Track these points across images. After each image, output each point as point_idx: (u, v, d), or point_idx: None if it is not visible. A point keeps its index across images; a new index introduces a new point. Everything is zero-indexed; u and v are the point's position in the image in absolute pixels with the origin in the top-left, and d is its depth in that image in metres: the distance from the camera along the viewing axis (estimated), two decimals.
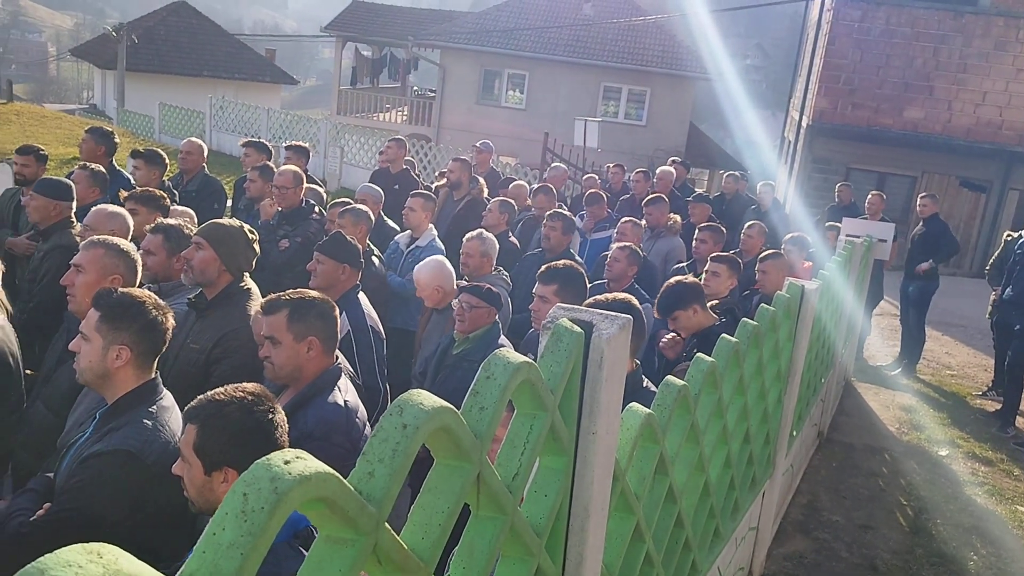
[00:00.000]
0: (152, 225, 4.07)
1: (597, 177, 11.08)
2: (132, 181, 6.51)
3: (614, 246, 5.64)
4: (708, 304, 4.51)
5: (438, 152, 19.08)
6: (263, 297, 3.17)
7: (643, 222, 6.95)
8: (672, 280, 4.49)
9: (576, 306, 1.80)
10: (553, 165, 10.85)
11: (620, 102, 27.64)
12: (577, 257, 6.08)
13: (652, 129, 27.19)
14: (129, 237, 4.22)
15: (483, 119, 26.83)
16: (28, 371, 3.54)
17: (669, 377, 2.39)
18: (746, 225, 6.94)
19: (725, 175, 11.42)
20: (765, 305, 3.69)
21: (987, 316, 8.55)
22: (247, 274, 3.85)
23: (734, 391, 3.14)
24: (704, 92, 31.12)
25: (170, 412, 2.62)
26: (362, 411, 3.03)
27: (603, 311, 1.72)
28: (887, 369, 9.27)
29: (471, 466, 1.26)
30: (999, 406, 7.85)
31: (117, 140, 6.89)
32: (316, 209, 6.12)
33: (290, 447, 2.22)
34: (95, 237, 3.49)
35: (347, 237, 4.41)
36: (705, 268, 5.41)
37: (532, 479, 1.62)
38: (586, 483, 1.70)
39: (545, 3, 28.86)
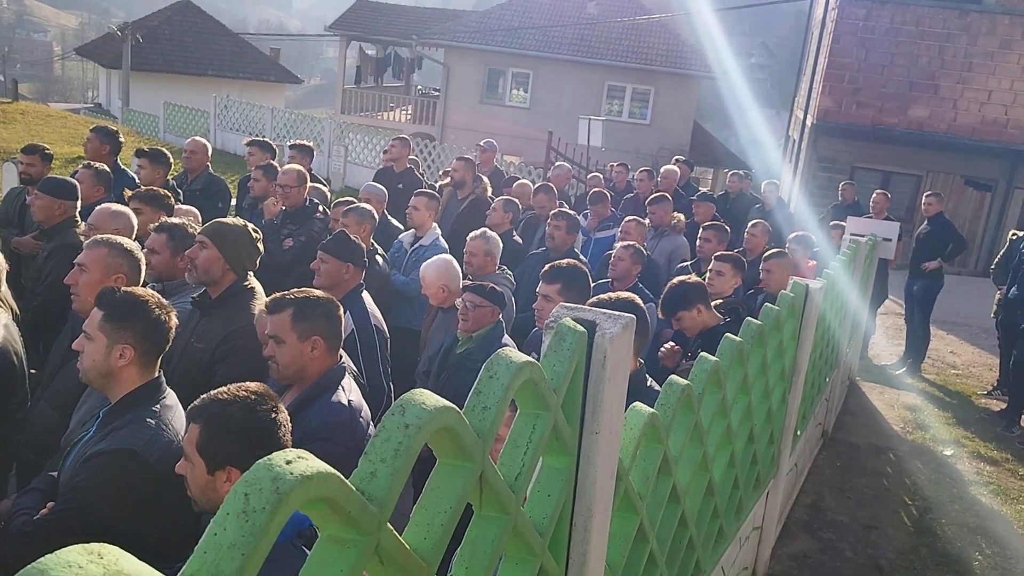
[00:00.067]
0: (156, 224, 4.07)
1: (601, 176, 11.07)
2: (137, 180, 6.52)
3: (618, 245, 5.63)
4: (712, 303, 4.51)
5: (442, 151, 19.08)
6: (267, 296, 3.17)
7: (647, 221, 6.94)
8: (675, 280, 4.48)
9: (579, 305, 1.80)
10: (557, 164, 10.84)
11: (624, 101, 27.60)
12: (581, 256, 6.07)
13: (656, 128, 27.15)
14: (133, 236, 4.22)
15: (487, 118, 26.81)
16: (32, 370, 3.54)
17: (672, 376, 2.38)
18: (750, 224, 6.92)
19: (729, 174, 11.40)
20: (769, 304, 3.68)
21: (992, 315, 8.53)
22: (251, 273, 3.85)
23: (738, 390, 3.13)
24: (708, 91, 31.08)
25: (173, 411, 2.62)
26: (366, 410, 3.03)
27: (606, 310, 1.72)
28: (892, 368, 9.25)
29: (474, 466, 1.26)
30: (1004, 405, 7.83)
31: (122, 139, 6.90)
32: (320, 208, 6.12)
33: (294, 446, 2.22)
34: (98, 236, 3.50)
35: (351, 236, 4.41)
36: (709, 267, 5.40)
37: (535, 479, 1.61)
38: (589, 483, 1.70)
39: (549, 2, 28.83)
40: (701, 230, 6.51)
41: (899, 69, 16.40)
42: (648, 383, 3.43)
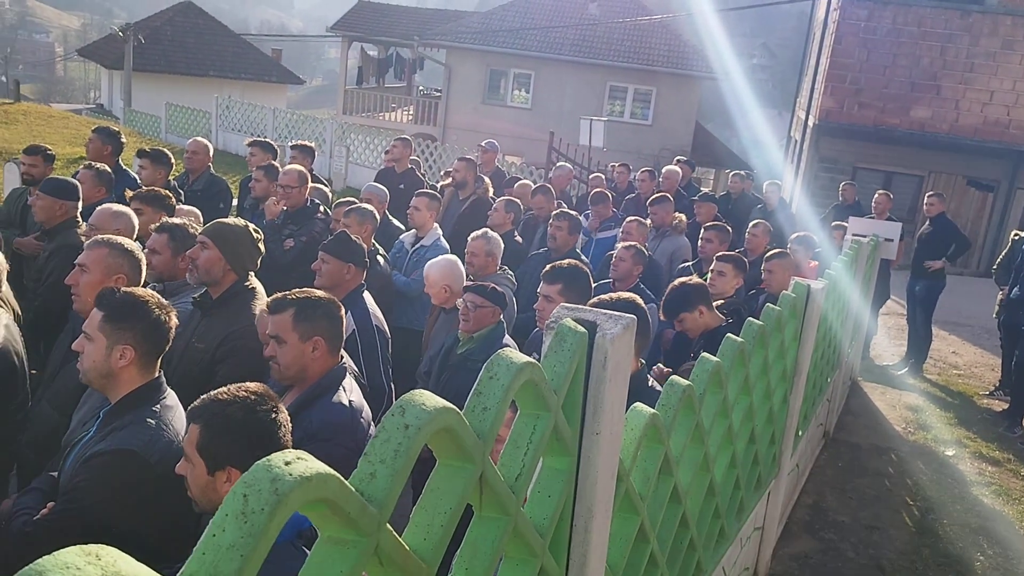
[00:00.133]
0: (157, 224, 4.07)
1: (603, 176, 11.06)
2: (138, 180, 6.52)
3: (619, 245, 5.62)
4: (714, 304, 4.50)
5: (444, 152, 19.08)
6: (268, 297, 3.17)
7: (648, 221, 6.93)
8: (677, 282, 4.47)
9: (580, 306, 1.80)
10: (558, 165, 10.84)
11: (626, 101, 27.61)
12: (583, 256, 6.07)
13: (658, 128, 27.15)
14: (134, 236, 4.22)
15: (489, 119, 26.82)
16: (33, 371, 3.54)
17: (674, 377, 2.38)
18: (751, 224, 6.92)
19: (731, 174, 11.40)
20: (771, 305, 3.67)
21: (994, 315, 8.51)
22: (252, 274, 3.85)
23: (739, 391, 3.13)
24: (710, 91, 31.05)
25: (174, 411, 2.62)
26: (367, 411, 3.03)
27: (607, 311, 1.72)
28: (894, 369, 9.24)
29: (474, 467, 1.25)
30: (1006, 406, 7.82)
31: (124, 140, 6.90)
32: (321, 208, 6.12)
33: (294, 447, 2.22)
34: (99, 237, 3.50)
35: (352, 236, 4.41)
36: (711, 267, 5.39)
37: (535, 480, 1.61)
38: (590, 483, 1.69)
39: (551, 3, 28.83)
40: (703, 230, 6.51)
41: (901, 69, 16.38)
42: (649, 383, 3.43)
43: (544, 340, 1.64)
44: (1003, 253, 8.64)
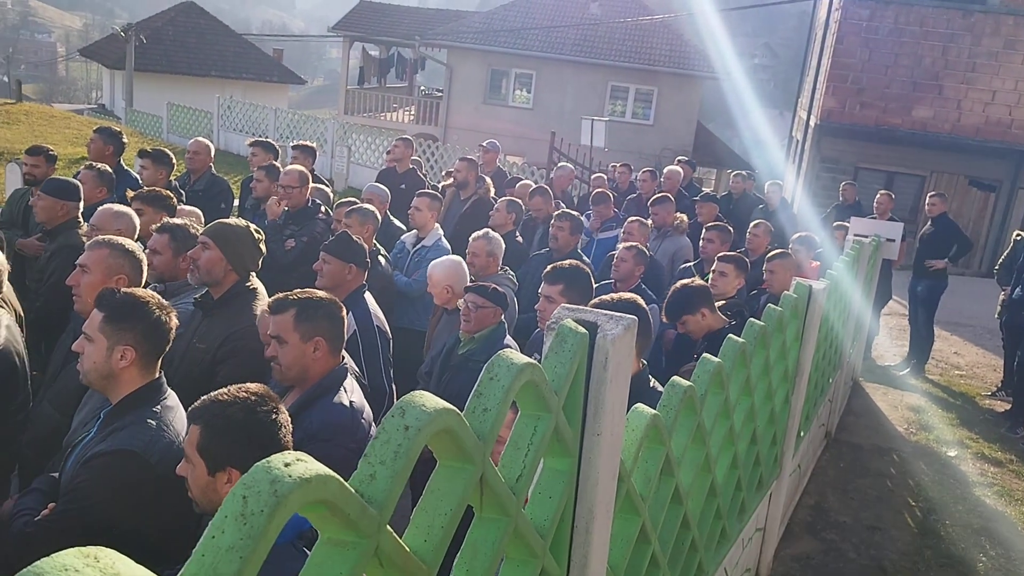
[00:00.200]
0: (158, 225, 4.07)
1: (605, 176, 11.06)
2: (140, 181, 6.53)
3: (621, 246, 5.62)
4: (716, 304, 4.49)
5: (445, 152, 19.08)
6: (269, 297, 3.17)
7: (650, 222, 6.93)
8: (679, 284, 4.46)
9: (581, 306, 1.79)
10: (560, 165, 10.84)
11: (627, 101, 27.60)
12: (584, 257, 6.06)
13: (659, 128, 27.14)
14: (135, 237, 4.22)
15: (490, 119, 26.82)
16: (34, 372, 3.54)
17: (675, 377, 2.37)
18: (752, 224, 6.91)
19: (732, 174, 11.40)
20: (772, 305, 3.67)
21: (996, 316, 8.50)
22: (253, 274, 3.85)
23: (741, 391, 3.12)
24: (712, 91, 31.07)
25: (174, 412, 2.62)
26: (368, 411, 3.03)
27: (608, 311, 1.71)
28: (895, 369, 9.23)
29: (474, 468, 1.25)
30: (1008, 406, 7.81)
31: (125, 140, 6.90)
32: (322, 209, 6.12)
33: (295, 447, 2.22)
34: (100, 237, 3.50)
35: (353, 237, 4.41)
36: (712, 268, 5.39)
37: (536, 481, 1.61)
38: (590, 484, 1.69)
39: (552, 3, 28.84)
40: (704, 231, 6.50)
41: (903, 69, 16.37)
42: (651, 384, 3.43)
43: (545, 341, 1.64)
44: (1005, 253, 8.63)
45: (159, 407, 2.58)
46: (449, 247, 5.99)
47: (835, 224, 8.82)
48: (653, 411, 2.10)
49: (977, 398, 8.42)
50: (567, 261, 4.33)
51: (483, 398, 1.33)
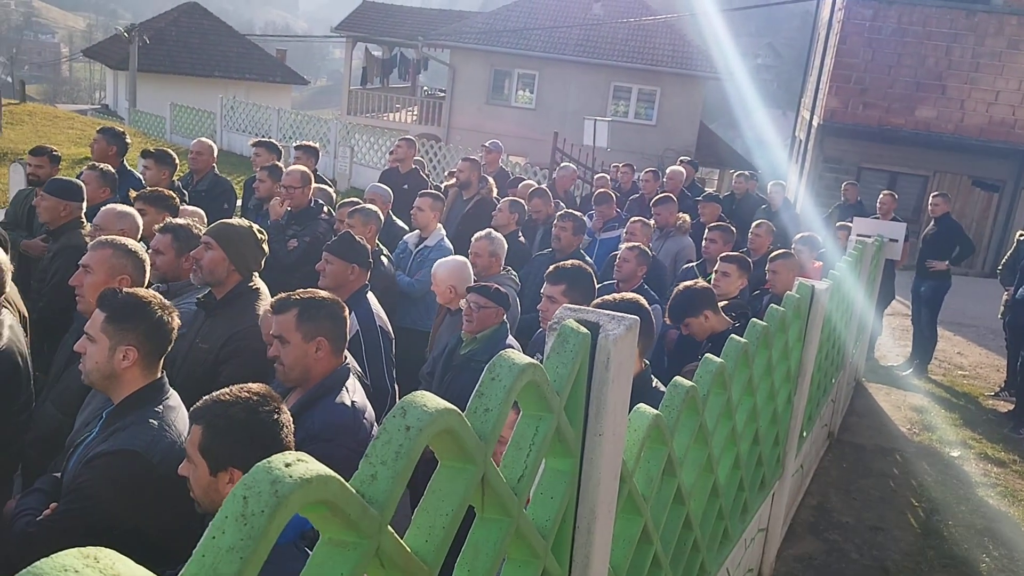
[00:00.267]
0: (161, 225, 4.08)
1: (608, 177, 11.06)
2: (143, 181, 6.53)
3: (623, 246, 5.62)
4: (719, 304, 4.48)
5: (448, 152, 19.08)
6: (272, 297, 3.17)
7: (652, 222, 6.92)
8: (681, 286, 4.45)
9: (583, 307, 1.79)
10: (562, 165, 10.83)
11: (630, 102, 27.59)
12: (587, 257, 6.06)
13: (662, 129, 27.13)
14: (138, 237, 4.23)
15: (493, 119, 26.82)
16: (37, 372, 3.54)
17: (677, 378, 2.37)
18: (754, 224, 6.91)
19: (735, 174, 11.39)
20: (775, 305, 3.67)
21: (999, 316, 8.49)
22: (256, 274, 3.85)
23: (743, 392, 3.12)
24: (714, 92, 31.05)
25: (176, 412, 2.62)
26: (370, 411, 3.02)
27: (610, 312, 1.71)
28: (898, 369, 9.22)
29: (475, 468, 1.25)
30: (1012, 406, 7.80)
31: (129, 140, 6.91)
32: (325, 209, 6.12)
33: (297, 448, 2.22)
34: (103, 237, 3.50)
35: (356, 237, 4.41)
36: (715, 268, 5.39)
37: (538, 481, 1.61)
38: (592, 485, 1.69)
39: (555, 3, 28.83)
40: (707, 231, 6.50)
41: (906, 69, 16.35)
42: (653, 384, 3.42)
43: (547, 341, 1.64)
44: (1008, 253, 8.61)
45: (161, 407, 2.59)
46: (451, 247, 5.99)
47: (838, 224, 8.81)
48: (655, 411, 2.10)
49: (980, 398, 8.40)
50: (570, 261, 4.33)
51: (485, 398, 1.33)
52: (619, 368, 1.68)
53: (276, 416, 2.15)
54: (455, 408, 1.17)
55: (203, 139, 7.45)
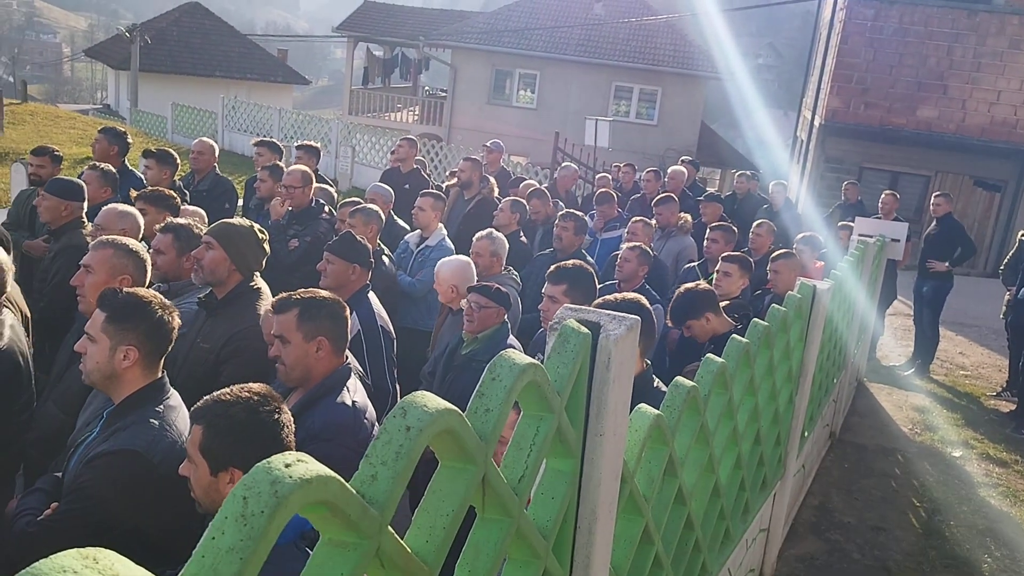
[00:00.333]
0: (162, 224, 4.08)
1: (609, 176, 11.06)
2: (144, 181, 6.54)
3: (625, 246, 5.62)
4: (721, 304, 4.48)
5: (449, 152, 19.09)
6: (273, 297, 3.17)
7: (653, 222, 6.92)
8: (683, 288, 4.45)
9: (584, 307, 1.79)
10: (564, 165, 10.83)
11: (631, 101, 27.59)
12: (588, 257, 6.06)
13: (663, 129, 27.12)
14: (139, 237, 4.23)
15: (494, 119, 26.83)
16: (38, 373, 3.54)
17: (679, 378, 2.37)
18: (755, 224, 6.91)
19: (736, 174, 11.38)
20: (776, 305, 3.66)
21: (1001, 316, 8.48)
22: (257, 274, 3.85)
23: (744, 392, 3.12)
24: (716, 92, 31.03)
25: (177, 412, 2.62)
26: (371, 411, 3.02)
27: (611, 312, 1.71)
28: (900, 369, 9.21)
29: (476, 468, 1.25)
30: (1014, 407, 7.79)
31: (130, 140, 6.92)
32: (326, 209, 6.12)
33: (297, 447, 2.22)
34: (104, 237, 3.50)
35: (357, 237, 4.41)
36: (716, 268, 5.38)
37: (538, 481, 1.61)
38: (593, 485, 1.69)
39: (556, 3, 28.83)
40: (708, 231, 6.50)
41: (907, 69, 16.33)
42: (655, 384, 3.42)
43: (547, 341, 1.63)
44: (1010, 253, 8.60)
45: (162, 407, 2.59)
46: (453, 247, 5.99)
47: (839, 224, 8.81)
48: (656, 411, 2.09)
49: (982, 398, 8.39)
50: (571, 261, 4.33)
51: (485, 398, 1.33)
52: (620, 368, 1.68)
53: (277, 416, 2.14)
54: (455, 408, 1.17)
55: (204, 139, 7.46)
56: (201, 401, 2.15)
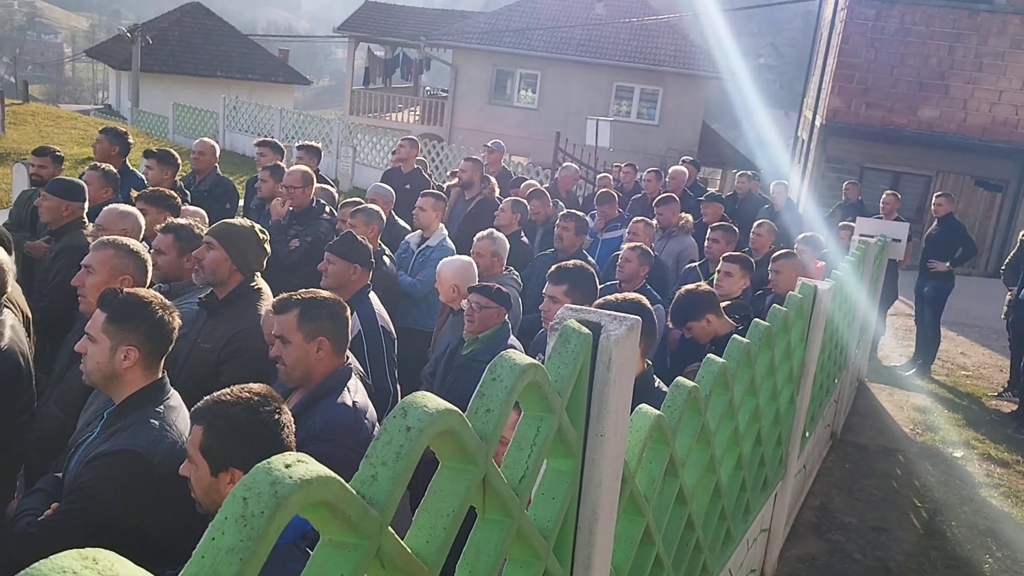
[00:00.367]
0: (163, 225, 4.08)
1: (610, 176, 11.05)
2: (145, 181, 6.54)
3: (625, 246, 5.61)
4: (721, 304, 4.47)
5: (450, 152, 19.09)
6: (274, 297, 3.17)
7: (654, 222, 6.92)
8: (683, 289, 4.45)
9: (584, 307, 1.79)
10: (564, 165, 10.83)
11: (632, 101, 27.59)
12: (589, 257, 6.06)
13: (664, 129, 27.12)
14: (140, 237, 4.23)
15: (495, 119, 26.83)
16: (39, 373, 3.54)
17: (680, 378, 2.37)
18: (756, 224, 6.90)
19: (738, 175, 11.38)
20: (777, 305, 3.66)
21: (1002, 316, 8.47)
22: (258, 274, 3.85)
23: (746, 392, 3.11)
24: (717, 91, 31.02)
25: (177, 412, 2.62)
26: (371, 411, 3.02)
27: (611, 312, 1.71)
28: (901, 370, 9.20)
29: (477, 469, 1.25)
30: (1015, 407, 7.78)
31: (131, 140, 6.92)
32: (327, 209, 6.12)
33: (297, 448, 2.22)
34: (105, 237, 3.50)
35: (358, 237, 4.41)
36: (717, 268, 5.38)
37: (539, 482, 1.60)
38: (594, 485, 1.68)
39: (557, 3, 28.83)
40: (709, 231, 6.49)
41: (909, 69, 16.32)
42: (656, 384, 3.42)
43: (548, 341, 1.63)
44: (1011, 253, 8.59)
45: (162, 407, 2.59)
46: (453, 247, 5.99)
47: (840, 224, 8.80)
48: (657, 412, 2.09)
49: (983, 399, 8.39)
50: (572, 261, 4.33)
51: (486, 399, 1.33)
52: (621, 368, 1.68)
53: (277, 416, 2.14)
54: (456, 409, 1.17)
55: (205, 139, 7.46)
56: (201, 401, 2.15)
